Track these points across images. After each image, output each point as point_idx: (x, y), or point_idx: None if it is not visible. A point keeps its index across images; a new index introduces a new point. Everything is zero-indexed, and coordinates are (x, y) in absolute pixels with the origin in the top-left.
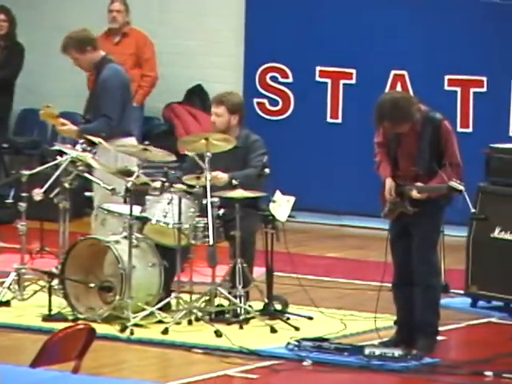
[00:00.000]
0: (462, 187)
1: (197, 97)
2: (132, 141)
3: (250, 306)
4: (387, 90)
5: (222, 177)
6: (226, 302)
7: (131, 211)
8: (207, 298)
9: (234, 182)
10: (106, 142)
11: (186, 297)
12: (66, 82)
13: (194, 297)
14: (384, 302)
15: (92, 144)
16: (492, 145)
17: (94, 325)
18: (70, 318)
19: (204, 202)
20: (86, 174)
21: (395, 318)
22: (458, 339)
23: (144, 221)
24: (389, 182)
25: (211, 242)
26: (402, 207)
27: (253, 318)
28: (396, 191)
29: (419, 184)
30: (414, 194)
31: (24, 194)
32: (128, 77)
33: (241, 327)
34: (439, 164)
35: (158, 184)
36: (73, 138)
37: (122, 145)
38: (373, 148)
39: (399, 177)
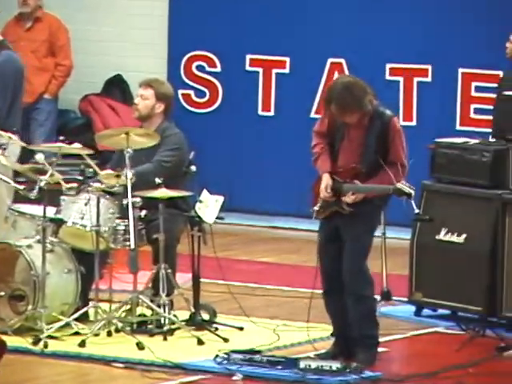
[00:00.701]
0: (411, 190)
1: (116, 88)
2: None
3: (174, 315)
4: (323, 79)
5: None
6: (148, 312)
7: (45, 213)
8: (128, 307)
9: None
10: None
11: (104, 306)
12: None
13: (114, 306)
14: (319, 310)
15: None
16: (437, 139)
17: (4, 337)
18: None
19: (125, 202)
20: None
21: (331, 328)
22: (401, 351)
23: (59, 223)
24: (326, 178)
25: (132, 246)
26: (336, 206)
27: (178, 328)
28: (332, 188)
29: (358, 183)
30: (349, 196)
31: None
32: (23, 66)
33: (165, 339)
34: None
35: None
36: None
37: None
38: (308, 142)
39: (338, 173)
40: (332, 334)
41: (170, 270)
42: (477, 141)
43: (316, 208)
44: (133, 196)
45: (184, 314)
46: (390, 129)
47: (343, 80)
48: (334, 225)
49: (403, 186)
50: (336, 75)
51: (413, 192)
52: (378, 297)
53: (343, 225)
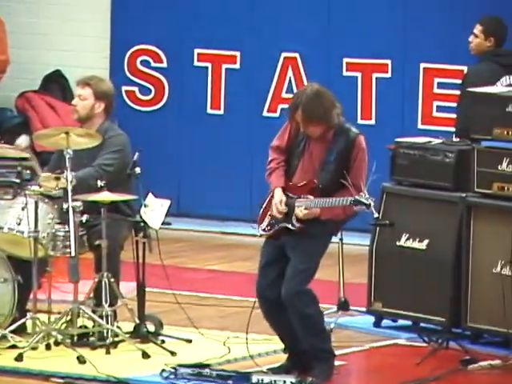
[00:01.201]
0: (370, 201)
1: (56, 84)
2: None
3: (118, 327)
4: (276, 75)
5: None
6: (90, 323)
7: None
8: (68, 318)
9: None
10: None
11: (43, 317)
12: None
13: (53, 317)
14: None
15: None
16: (398, 139)
17: None
18: None
19: (65, 206)
20: None
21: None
22: (359, 364)
23: None
24: (280, 193)
25: (73, 254)
26: (285, 223)
27: (122, 341)
28: (286, 207)
29: (312, 198)
30: (301, 211)
31: None
32: None
33: (108, 352)
34: (340, 182)
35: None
36: None
37: None
38: (261, 143)
39: (292, 189)
40: (285, 350)
41: (113, 279)
42: (440, 140)
43: (263, 226)
44: (73, 200)
45: (128, 326)
46: (355, 147)
47: (313, 87)
48: (281, 244)
49: (362, 197)
50: (290, 70)
51: (372, 203)
52: (334, 307)
53: (290, 244)
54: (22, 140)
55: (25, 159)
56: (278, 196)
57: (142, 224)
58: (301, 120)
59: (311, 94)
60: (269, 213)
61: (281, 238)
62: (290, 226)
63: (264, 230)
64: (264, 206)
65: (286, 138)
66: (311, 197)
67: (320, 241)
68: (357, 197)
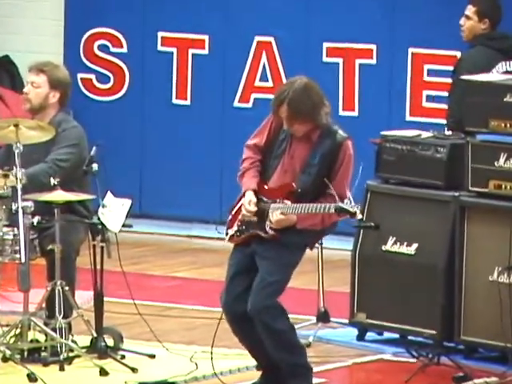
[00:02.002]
0: (356, 209)
1: (4, 71)
2: None
3: (73, 341)
4: (249, 62)
5: None
6: (42, 337)
7: None
8: (18, 331)
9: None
10: None
11: None
12: None
13: (1, 330)
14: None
15: None
16: (384, 132)
17: None
18: None
19: (14, 207)
20: None
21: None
22: (341, 381)
23: None
24: (250, 195)
25: (23, 260)
26: (256, 229)
27: (77, 356)
28: (256, 208)
29: (288, 203)
30: (276, 215)
31: None
32: None
33: (61, 369)
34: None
35: None
36: None
37: None
38: (232, 137)
39: (266, 192)
40: (257, 367)
41: (67, 288)
42: (430, 134)
43: (231, 231)
44: (23, 199)
45: (84, 340)
46: (341, 152)
47: (302, 81)
48: (250, 252)
49: (346, 204)
50: (264, 56)
51: (358, 211)
52: (313, 318)
53: (260, 253)
54: None
55: None
56: (248, 197)
57: (100, 226)
58: (286, 116)
59: (299, 88)
60: (239, 217)
61: (250, 245)
62: (262, 234)
63: (232, 236)
64: (234, 211)
65: (265, 136)
66: (288, 202)
67: (293, 252)
68: (340, 204)
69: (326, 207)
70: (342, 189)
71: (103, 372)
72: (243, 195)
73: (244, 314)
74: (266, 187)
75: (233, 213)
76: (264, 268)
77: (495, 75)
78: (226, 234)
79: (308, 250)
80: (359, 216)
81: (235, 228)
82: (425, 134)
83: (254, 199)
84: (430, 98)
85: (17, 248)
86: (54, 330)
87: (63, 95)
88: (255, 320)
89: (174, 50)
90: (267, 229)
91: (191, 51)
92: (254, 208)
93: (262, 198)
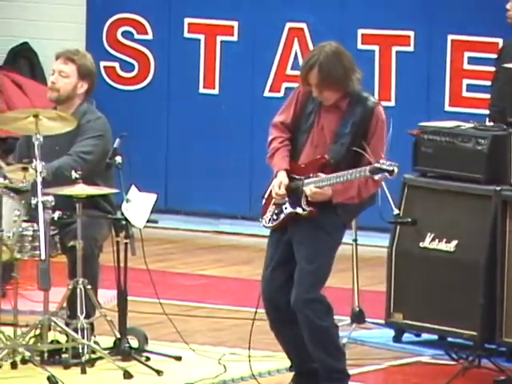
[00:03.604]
0: (393, 167)
1: (23, 59)
2: None
3: (95, 342)
4: (280, 49)
5: None
6: (63, 338)
7: None
8: (38, 332)
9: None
10: None
11: (8, 331)
12: None
13: (20, 331)
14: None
15: None
16: (422, 123)
17: None
18: None
19: (33, 201)
20: None
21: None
22: None
23: None
24: (282, 176)
25: (43, 257)
26: (292, 208)
27: (100, 358)
28: (289, 188)
29: (323, 175)
30: (311, 189)
31: None
32: None
33: (83, 371)
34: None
35: None
36: None
37: None
38: (262, 127)
39: (299, 170)
40: (291, 368)
41: (89, 286)
42: (471, 125)
43: (267, 217)
44: (44, 194)
45: (107, 341)
46: (373, 119)
47: (333, 45)
48: (287, 239)
49: (382, 164)
50: (296, 43)
51: (396, 168)
52: (347, 319)
53: (297, 238)
54: None
55: None
56: (279, 178)
57: (124, 222)
58: (316, 82)
59: (330, 52)
60: (272, 201)
61: (287, 231)
62: (299, 211)
63: (269, 220)
64: (267, 194)
65: (291, 112)
66: (322, 175)
67: (331, 233)
68: (376, 164)
69: (362, 171)
70: (376, 156)
71: (127, 375)
72: (275, 176)
73: (285, 308)
74: (296, 164)
75: (266, 196)
76: (302, 255)
77: None
78: (262, 219)
79: (344, 246)
80: (396, 211)
81: (270, 212)
82: (465, 125)
83: (286, 180)
84: (470, 88)
85: (36, 244)
86: (76, 330)
87: (90, 86)
88: (298, 314)
89: (202, 36)
90: (304, 206)
91: (219, 38)
92: (283, 191)
93: (295, 176)
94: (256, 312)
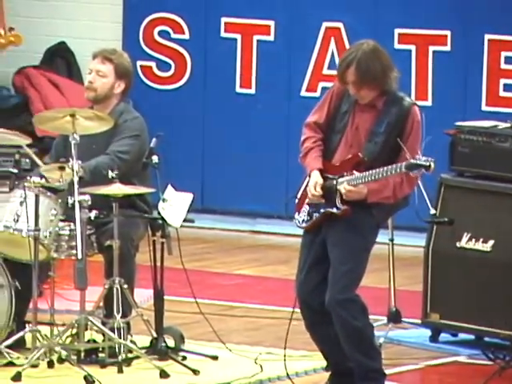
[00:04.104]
0: (430, 162)
1: (60, 59)
2: None
3: (132, 341)
4: (317, 48)
5: None
6: (99, 337)
7: None
8: (74, 331)
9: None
10: None
11: (45, 330)
12: None
13: (57, 330)
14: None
15: None
16: (459, 123)
17: None
18: None
19: (70, 201)
20: None
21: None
22: None
23: None
24: (316, 175)
25: (80, 256)
26: (327, 207)
27: (136, 357)
28: (323, 188)
29: (357, 173)
30: (345, 187)
31: None
32: None
33: (120, 370)
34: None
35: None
36: None
37: None
38: (299, 127)
39: (333, 169)
40: (327, 368)
41: (126, 286)
42: (508, 124)
43: (300, 216)
44: (80, 193)
45: (144, 340)
46: (409, 120)
47: (370, 43)
48: (321, 240)
49: (418, 159)
50: (332, 43)
51: (432, 164)
52: (384, 319)
53: (331, 239)
54: None
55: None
56: (314, 178)
57: (161, 221)
58: (353, 80)
59: (368, 50)
60: (306, 200)
61: (321, 231)
62: (333, 210)
63: (302, 221)
64: (300, 194)
65: (325, 112)
66: (357, 173)
67: (365, 234)
68: (412, 160)
69: (397, 167)
70: (413, 154)
71: (163, 374)
72: (308, 176)
73: (320, 308)
74: (330, 164)
75: (298, 196)
76: (335, 256)
77: None
78: (295, 219)
79: (380, 246)
80: (432, 210)
81: (304, 212)
82: (502, 125)
83: (321, 180)
84: (507, 87)
85: (73, 244)
86: (112, 329)
87: (127, 85)
88: (333, 314)
89: (238, 36)
90: (338, 204)
91: (256, 37)
92: (319, 192)
93: (328, 175)
94: (293, 312)
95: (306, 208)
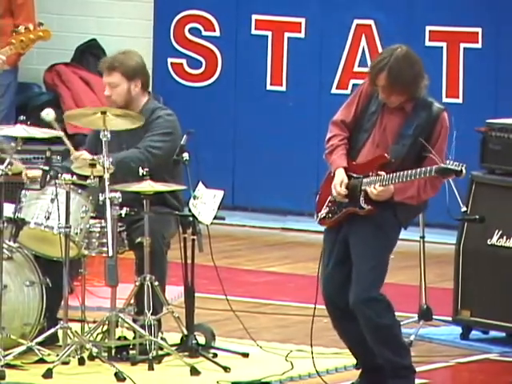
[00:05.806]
0: (461, 167)
1: (91, 56)
2: None
3: (162, 338)
4: (348, 46)
5: (87, 158)
6: (130, 334)
7: (1, 211)
8: (105, 328)
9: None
10: None
11: (76, 327)
12: None
13: (88, 327)
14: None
15: None
16: (490, 120)
17: None
18: None
19: (101, 198)
20: None
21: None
22: (444, 382)
23: (19, 224)
24: (341, 173)
25: (110, 253)
26: (350, 206)
27: (167, 354)
28: (347, 187)
29: (384, 174)
30: (376, 188)
31: None
32: None
33: (151, 368)
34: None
35: (35, 172)
36: None
37: None
38: (328, 124)
39: (357, 167)
40: (357, 365)
41: (157, 283)
42: None
43: (322, 213)
44: (111, 190)
45: (175, 337)
46: (438, 125)
47: (403, 48)
48: (343, 237)
49: (449, 164)
50: (364, 40)
51: (464, 169)
52: (415, 316)
53: (353, 237)
54: (47, 113)
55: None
56: (339, 177)
57: (191, 218)
58: (384, 85)
59: (401, 56)
60: (329, 198)
61: (342, 229)
62: (357, 210)
63: (324, 218)
64: (321, 191)
65: (353, 111)
66: (383, 173)
67: (387, 233)
68: (443, 164)
69: (427, 170)
70: (438, 163)
71: (194, 371)
72: (332, 174)
73: (346, 307)
74: (355, 163)
75: (319, 193)
76: (358, 255)
77: None
78: (316, 216)
79: (411, 243)
80: (463, 208)
81: (326, 209)
82: None
83: (346, 179)
84: None
85: (104, 241)
86: (143, 327)
87: (144, 79)
88: (358, 313)
89: (269, 33)
90: (362, 204)
91: (287, 35)
92: (344, 190)
93: (352, 174)
94: (315, 308)
95: (327, 205)
